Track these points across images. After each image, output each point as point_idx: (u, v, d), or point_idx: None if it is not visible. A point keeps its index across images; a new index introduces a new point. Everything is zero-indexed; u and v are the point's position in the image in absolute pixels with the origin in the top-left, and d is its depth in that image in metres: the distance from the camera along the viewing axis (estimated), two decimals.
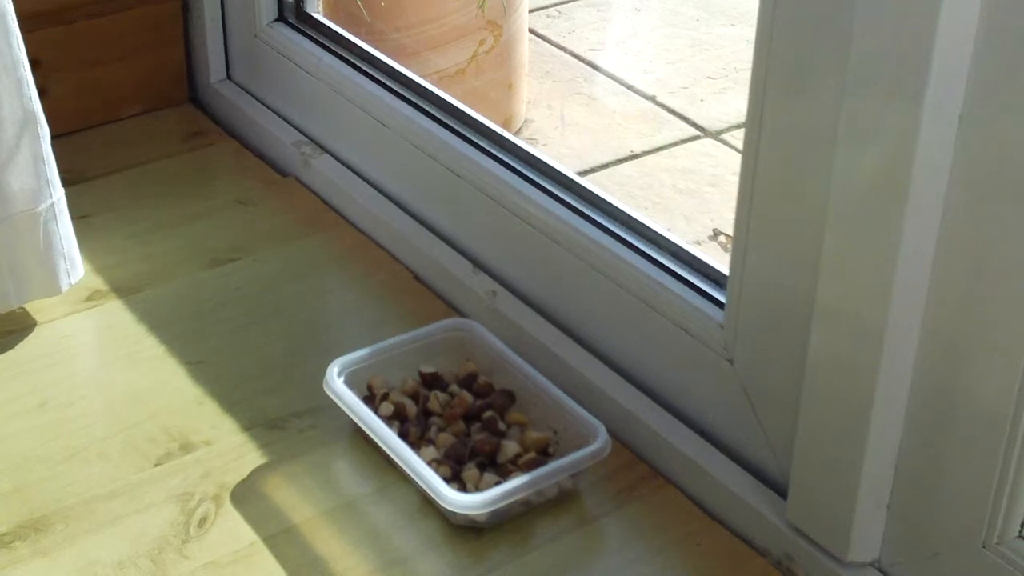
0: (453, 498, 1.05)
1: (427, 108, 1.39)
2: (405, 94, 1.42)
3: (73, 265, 1.28)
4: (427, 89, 1.41)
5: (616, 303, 1.18)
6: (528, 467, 1.09)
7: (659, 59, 2.63)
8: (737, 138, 2.27)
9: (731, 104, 2.45)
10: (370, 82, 1.45)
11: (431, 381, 1.19)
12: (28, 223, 1.24)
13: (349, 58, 1.49)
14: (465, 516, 1.06)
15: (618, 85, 2.54)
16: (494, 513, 1.07)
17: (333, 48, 1.51)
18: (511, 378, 1.18)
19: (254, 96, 1.61)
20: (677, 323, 1.13)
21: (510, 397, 1.17)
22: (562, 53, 2.67)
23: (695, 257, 1.15)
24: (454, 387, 1.18)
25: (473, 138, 1.34)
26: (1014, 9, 0.80)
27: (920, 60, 0.83)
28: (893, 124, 0.86)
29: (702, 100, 2.47)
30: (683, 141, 2.26)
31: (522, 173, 1.28)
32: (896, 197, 0.87)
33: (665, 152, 2.23)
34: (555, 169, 1.27)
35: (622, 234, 1.19)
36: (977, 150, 0.85)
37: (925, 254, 0.89)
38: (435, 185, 1.37)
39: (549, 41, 2.71)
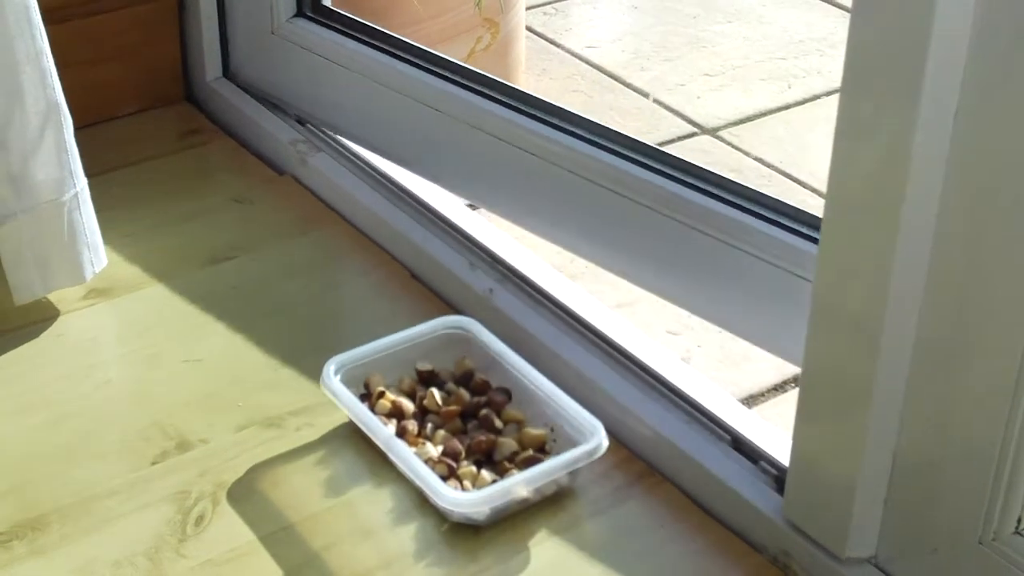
0: (450, 496, 1.05)
1: (477, 88, 1.39)
2: (450, 76, 1.41)
3: (97, 253, 1.29)
4: (468, 69, 1.41)
5: (709, 254, 1.20)
6: (525, 465, 1.09)
7: (656, 56, 2.63)
8: (734, 135, 2.28)
9: (728, 101, 2.45)
10: (413, 68, 1.44)
11: (428, 379, 1.19)
12: (53, 213, 1.25)
13: (384, 47, 1.48)
14: (463, 514, 1.06)
15: (615, 82, 2.54)
16: (492, 511, 1.07)
17: (366, 39, 1.50)
18: (508, 375, 1.18)
19: (268, 94, 1.60)
20: (774, 263, 1.14)
21: (507, 395, 1.17)
22: (559, 50, 2.67)
23: (779, 201, 1.17)
24: (451, 385, 1.18)
25: (528, 110, 1.34)
26: (1009, 5, 0.80)
27: (916, 57, 0.83)
28: (889, 121, 0.86)
29: (699, 97, 2.47)
30: (680, 138, 2.26)
31: (588, 139, 1.29)
32: (892, 194, 0.87)
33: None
34: (618, 133, 1.28)
35: (702, 186, 1.21)
36: (973, 147, 0.85)
37: (922, 251, 0.89)
38: (494, 164, 1.37)
39: (546, 38, 2.71)
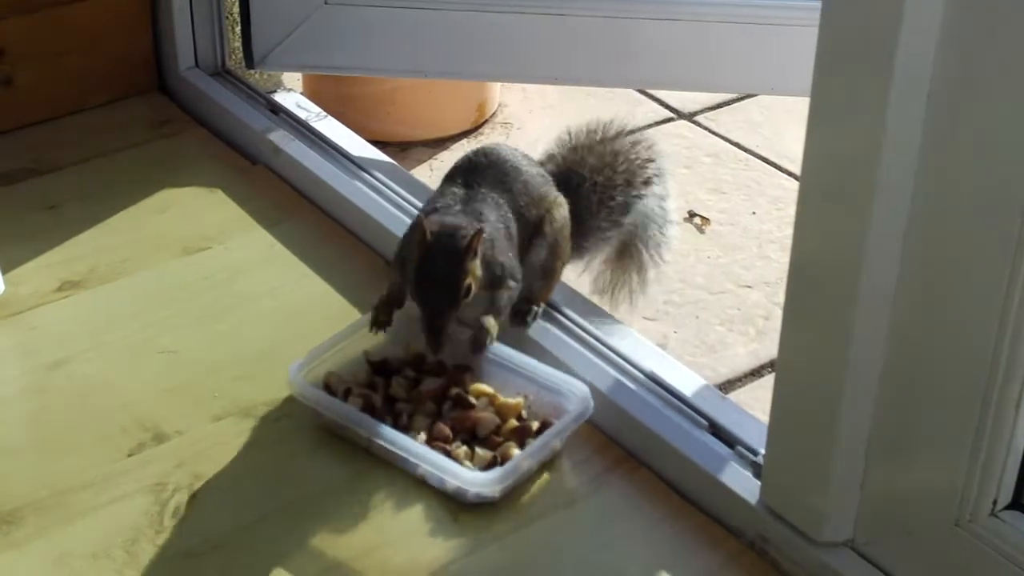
0: (470, 477, 1.05)
1: None
2: None
3: None
4: None
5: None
6: (514, 435, 1.09)
7: None
8: (711, 119, 2.27)
9: None
10: None
11: (380, 368, 1.18)
12: None
13: None
14: (477, 494, 1.06)
15: None
16: (503, 489, 1.07)
17: None
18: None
19: (320, 66, 1.61)
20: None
21: (466, 369, 1.16)
22: None
23: None
24: (408, 371, 1.17)
25: None
26: None
27: (887, 39, 0.83)
28: (862, 104, 0.86)
29: None
30: (657, 123, 2.26)
31: None
32: (866, 176, 0.87)
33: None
34: None
35: None
36: (946, 128, 0.84)
37: (895, 235, 0.89)
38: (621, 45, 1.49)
39: None
